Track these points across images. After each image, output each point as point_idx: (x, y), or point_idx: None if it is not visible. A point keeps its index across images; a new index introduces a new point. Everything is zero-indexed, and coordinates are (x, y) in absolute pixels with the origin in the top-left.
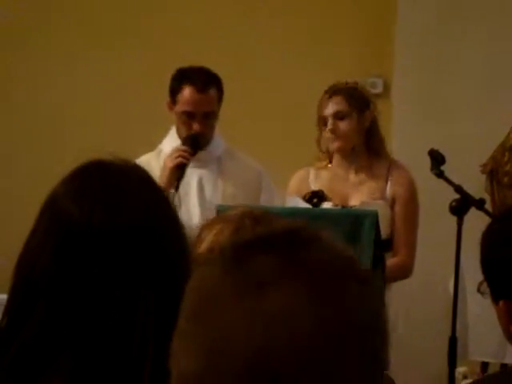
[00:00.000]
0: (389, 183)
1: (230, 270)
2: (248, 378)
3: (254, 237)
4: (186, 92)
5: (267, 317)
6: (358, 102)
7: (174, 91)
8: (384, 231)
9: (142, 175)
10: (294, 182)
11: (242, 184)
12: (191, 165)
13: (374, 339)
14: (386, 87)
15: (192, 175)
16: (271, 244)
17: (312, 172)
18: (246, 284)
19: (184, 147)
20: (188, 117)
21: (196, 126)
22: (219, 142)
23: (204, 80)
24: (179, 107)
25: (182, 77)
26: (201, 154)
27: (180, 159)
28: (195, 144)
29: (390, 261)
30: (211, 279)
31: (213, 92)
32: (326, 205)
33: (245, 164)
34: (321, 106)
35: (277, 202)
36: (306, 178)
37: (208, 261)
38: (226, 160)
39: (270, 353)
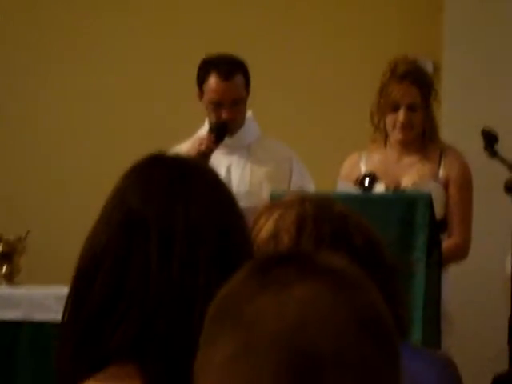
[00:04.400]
0: (442, 166)
1: (254, 274)
2: (286, 359)
3: (273, 254)
4: (212, 81)
5: (297, 302)
6: (429, 92)
7: (201, 81)
8: (438, 212)
9: (207, 171)
10: (346, 166)
11: (271, 170)
12: (221, 151)
13: (393, 329)
14: (436, 68)
15: (221, 162)
16: (290, 258)
17: (364, 155)
18: (271, 282)
19: (207, 135)
20: (216, 105)
21: (225, 114)
22: (251, 129)
23: (228, 67)
24: (207, 97)
25: (207, 66)
26: (230, 141)
27: (201, 147)
28: (220, 132)
29: (446, 242)
30: (236, 281)
31: (238, 79)
32: (378, 186)
33: (275, 150)
34: (390, 89)
35: (309, 187)
36: (358, 162)
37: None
38: (257, 147)
39: (307, 331)
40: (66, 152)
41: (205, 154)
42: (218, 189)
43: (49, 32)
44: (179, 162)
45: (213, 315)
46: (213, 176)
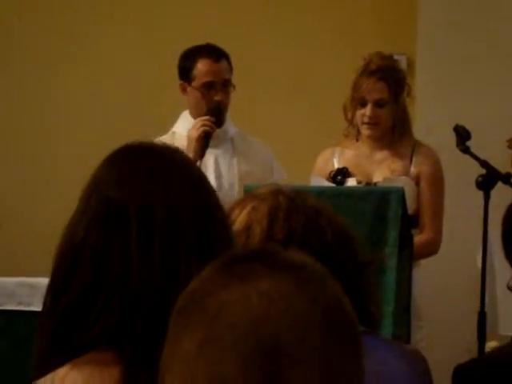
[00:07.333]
0: (413, 161)
1: (219, 270)
2: (249, 350)
3: (239, 251)
4: (203, 64)
5: (261, 294)
6: (398, 88)
7: (188, 69)
8: (409, 207)
9: (184, 159)
10: (319, 161)
11: (256, 163)
12: None
13: (355, 321)
14: (410, 64)
15: (208, 155)
16: (255, 254)
17: (337, 151)
18: (236, 276)
19: (206, 117)
20: (209, 88)
21: (218, 96)
22: (231, 123)
23: (216, 51)
24: (198, 81)
25: (193, 54)
26: (217, 133)
27: (204, 128)
28: (219, 113)
29: (418, 237)
30: (202, 277)
31: (225, 62)
32: (350, 181)
33: (256, 145)
34: (359, 85)
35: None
36: (331, 157)
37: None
38: (238, 141)
39: (270, 321)
40: (41, 145)
41: (206, 135)
42: (196, 176)
43: (50, 33)
44: (155, 149)
45: (178, 310)
46: (190, 164)
